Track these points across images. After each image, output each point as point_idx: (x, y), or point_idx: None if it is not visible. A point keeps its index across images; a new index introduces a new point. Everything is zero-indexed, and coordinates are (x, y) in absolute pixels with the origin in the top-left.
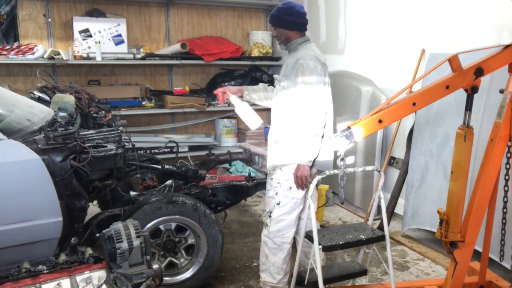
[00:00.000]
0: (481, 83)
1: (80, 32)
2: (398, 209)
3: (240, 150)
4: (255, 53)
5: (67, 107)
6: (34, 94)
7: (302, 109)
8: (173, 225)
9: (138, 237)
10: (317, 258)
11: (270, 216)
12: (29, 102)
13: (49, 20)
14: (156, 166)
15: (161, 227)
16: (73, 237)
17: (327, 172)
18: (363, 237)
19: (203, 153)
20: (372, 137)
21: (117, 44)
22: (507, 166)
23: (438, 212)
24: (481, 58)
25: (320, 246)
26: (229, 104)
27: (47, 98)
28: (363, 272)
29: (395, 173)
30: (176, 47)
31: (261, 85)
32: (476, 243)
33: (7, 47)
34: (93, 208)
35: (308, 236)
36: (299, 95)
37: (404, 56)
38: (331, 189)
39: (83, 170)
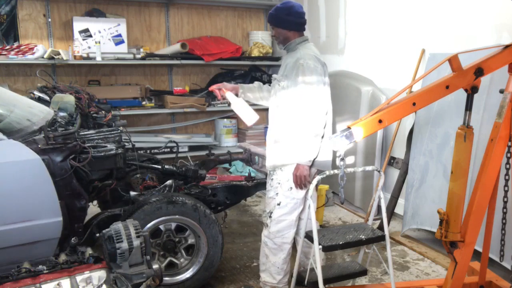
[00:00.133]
0: (481, 83)
1: (80, 32)
2: (398, 209)
3: (240, 150)
4: (255, 53)
5: (67, 107)
6: (34, 94)
7: (303, 109)
8: (173, 225)
9: (138, 237)
10: (317, 258)
11: (270, 217)
12: (29, 102)
13: (49, 20)
14: (156, 166)
15: (161, 227)
16: (73, 237)
17: (327, 172)
18: (363, 237)
19: (203, 153)
20: (372, 137)
21: (117, 44)
22: (507, 166)
23: (438, 212)
24: (481, 58)
25: (320, 246)
26: (228, 101)
27: (47, 98)
28: (363, 272)
29: (395, 173)
30: (176, 47)
31: (256, 83)
32: (476, 243)
33: (7, 47)
34: (93, 208)
35: (308, 236)
36: (299, 95)
37: (404, 56)
38: (331, 189)
39: (83, 170)
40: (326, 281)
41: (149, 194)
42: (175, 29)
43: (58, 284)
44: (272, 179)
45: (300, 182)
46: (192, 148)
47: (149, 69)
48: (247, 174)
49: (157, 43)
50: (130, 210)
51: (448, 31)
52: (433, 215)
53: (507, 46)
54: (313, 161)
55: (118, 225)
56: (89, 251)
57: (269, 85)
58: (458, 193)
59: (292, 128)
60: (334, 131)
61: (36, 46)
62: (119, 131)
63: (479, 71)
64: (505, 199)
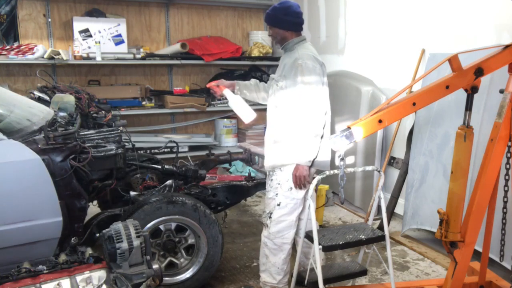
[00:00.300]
0: (481, 83)
1: (80, 32)
2: (398, 209)
3: (240, 150)
4: (255, 53)
5: (67, 107)
6: (34, 94)
7: (302, 109)
8: (173, 225)
9: (138, 237)
10: (317, 258)
11: (270, 217)
12: (29, 102)
13: (49, 20)
14: (156, 166)
15: (161, 227)
16: (73, 237)
17: (327, 172)
18: (363, 237)
19: (203, 153)
20: (372, 137)
21: (117, 44)
22: (507, 166)
23: (438, 212)
24: (481, 58)
25: (320, 246)
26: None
27: (47, 98)
28: (363, 272)
29: (395, 173)
30: (176, 47)
31: (253, 81)
32: (476, 243)
33: (7, 47)
34: (93, 208)
35: (308, 236)
36: (298, 95)
37: (404, 56)
38: (331, 189)
39: (83, 170)
40: (326, 281)
41: (149, 194)
42: (175, 29)
43: (58, 284)
44: (271, 180)
45: (300, 182)
46: (192, 148)
47: (149, 69)
48: (247, 174)
49: (157, 43)
50: (130, 210)
51: (448, 31)
52: (433, 215)
53: (507, 46)
54: (313, 161)
55: (118, 225)
56: (89, 251)
57: (266, 83)
58: (458, 193)
59: (291, 129)
60: (333, 131)
61: (36, 46)
62: (119, 131)
63: (479, 71)
64: (505, 199)
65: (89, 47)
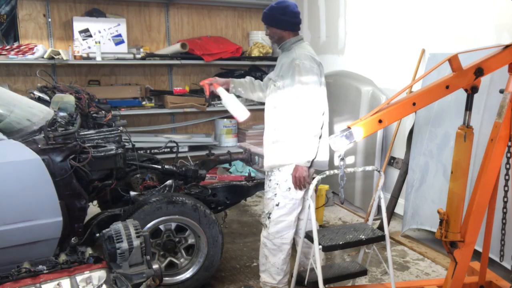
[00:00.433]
0: (481, 83)
1: (80, 32)
2: (398, 209)
3: (240, 150)
4: (255, 53)
5: (67, 107)
6: (34, 94)
7: (299, 110)
8: (173, 225)
9: (138, 237)
10: (317, 258)
11: (269, 218)
12: (29, 102)
13: (49, 20)
14: (156, 166)
15: (161, 227)
16: (73, 237)
17: (327, 172)
18: (363, 237)
19: (203, 153)
20: (372, 137)
21: (117, 44)
22: (507, 166)
23: (438, 212)
24: (481, 58)
25: (320, 246)
26: (216, 95)
27: (47, 98)
28: (363, 272)
29: (395, 173)
30: (176, 47)
31: (248, 78)
32: (476, 243)
33: (7, 47)
34: (93, 208)
35: (308, 236)
36: (296, 95)
37: (404, 56)
38: (331, 189)
39: (83, 170)
40: (326, 281)
41: (149, 194)
42: (175, 29)
43: (58, 284)
44: (270, 180)
45: (300, 183)
46: (192, 148)
47: (149, 69)
48: (247, 174)
49: (157, 43)
50: (130, 210)
51: (448, 31)
52: (433, 215)
53: (507, 46)
54: (312, 161)
55: (118, 225)
56: (89, 251)
57: (261, 81)
58: (458, 193)
59: (290, 129)
60: (332, 131)
61: (36, 46)
62: (119, 131)
63: (479, 71)
64: (505, 199)
65: (89, 47)
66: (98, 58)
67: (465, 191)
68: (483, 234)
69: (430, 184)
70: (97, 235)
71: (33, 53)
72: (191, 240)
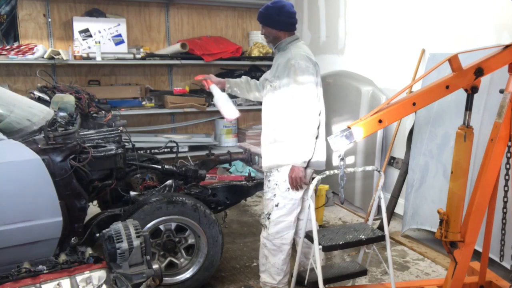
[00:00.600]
0: (481, 83)
1: (80, 32)
2: (398, 209)
3: (240, 150)
4: (255, 53)
5: (67, 107)
6: (34, 94)
7: (296, 110)
8: (173, 225)
9: (138, 237)
10: (317, 258)
11: (268, 218)
12: (29, 102)
13: (49, 20)
14: (156, 166)
15: (161, 227)
16: (73, 237)
17: (327, 172)
18: (363, 237)
19: (203, 153)
20: (372, 137)
21: (117, 44)
22: (507, 166)
23: (438, 212)
24: (481, 58)
25: (320, 246)
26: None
27: (47, 98)
28: (363, 272)
29: (395, 173)
30: (176, 47)
31: (244, 78)
32: (476, 243)
33: (7, 47)
34: (93, 208)
35: (308, 236)
36: (291, 95)
37: (404, 56)
38: (331, 189)
39: (83, 170)
40: (326, 281)
41: (149, 194)
42: (175, 29)
43: (58, 284)
44: (269, 181)
45: (296, 183)
46: (192, 148)
47: (149, 69)
48: (247, 174)
49: (157, 43)
50: (130, 210)
51: (448, 31)
52: (433, 215)
53: (507, 46)
54: (309, 162)
55: (118, 225)
56: (89, 251)
57: (257, 80)
58: (458, 193)
59: (286, 129)
60: (329, 131)
61: (36, 46)
62: (119, 131)
63: (479, 71)
64: (505, 199)
65: (89, 47)
66: (98, 58)
67: (465, 191)
68: (483, 234)
69: (430, 184)
70: (97, 235)
71: (33, 53)
72: (191, 240)
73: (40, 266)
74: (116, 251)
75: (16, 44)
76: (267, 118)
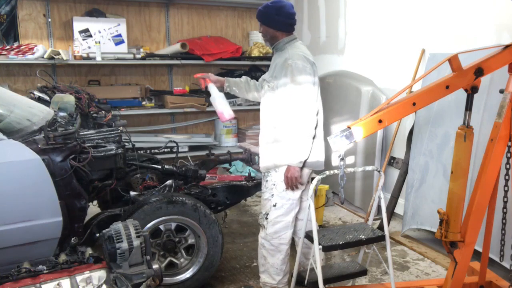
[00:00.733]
0: (481, 83)
1: (80, 32)
2: (398, 209)
3: (240, 150)
4: (255, 53)
5: (67, 107)
6: (34, 94)
7: (293, 110)
8: (173, 225)
9: (138, 237)
10: (317, 258)
11: (266, 218)
12: (29, 102)
13: (49, 20)
14: (156, 166)
15: (161, 227)
16: (73, 237)
17: (327, 172)
18: (363, 237)
19: (203, 153)
20: (372, 137)
21: (117, 44)
22: (507, 166)
23: (438, 212)
24: (481, 58)
25: (320, 246)
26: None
27: (47, 98)
28: (363, 272)
29: (395, 173)
30: (176, 47)
31: (243, 78)
32: (476, 243)
33: (7, 47)
34: (93, 208)
35: (308, 236)
36: (288, 95)
37: (404, 56)
38: (331, 189)
39: (83, 170)
40: (326, 281)
41: (149, 194)
42: (175, 29)
43: (58, 284)
44: (267, 181)
45: (292, 183)
46: (192, 148)
47: (149, 69)
48: (247, 174)
49: (157, 43)
50: (130, 210)
51: (448, 31)
52: (433, 215)
53: (507, 46)
54: (305, 162)
55: (118, 225)
56: (89, 251)
57: (257, 81)
58: (458, 193)
59: (284, 129)
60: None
61: (36, 46)
62: (119, 131)
63: (479, 71)
64: (505, 199)
65: (89, 47)
66: (98, 58)
67: (465, 191)
68: (483, 234)
69: (430, 184)
70: (97, 235)
71: (33, 53)
72: (191, 240)
73: (40, 266)
74: (116, 251)
75: (16, 44)
76: (265, 118)
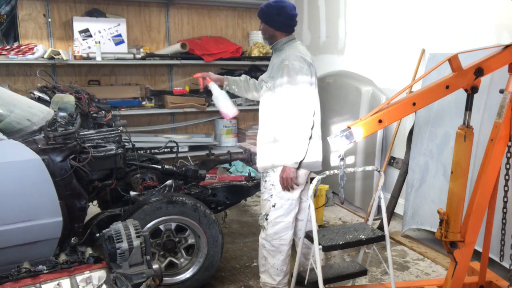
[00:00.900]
0: (481, 83)
1: (80, 32)
2: (398, 209)
3: (240, 150)
4: (255, 53)
5: (67, 107)
6: (34, 94)
7: (289, 111)
8: (173, 225)
9: (138, 237)
10: (317, 258)
11: (266, 219)
12: (29, 102)
13: (49, 20)
14: (156, 166)
15: (161, 227)
16: (73, 237)
17: (327, 172)
18: (363, 237)
19: (203, 153)
20: (372, 137)
21: (117, 44)
22: (507, 166)
23: (438, 212)
24: (481, 58)
25: (320, 246)
26: (210, 91)
27: (47, 98)
28: (363, 272)
29: (395, 173)
30: (176, 47)
31: (243, 77)
32: (476, 243)
33: (7, 47)
34: (93, 208)
35: (308, 236)
36: (285, 96)
37: (404, 56)
38: (331, 189)
39: (83, 170)
40: (326, 281)
41: (149, 194)
42: (175, 29)
43: (58, 284)
44: (265, 181)
45: (287, 184)
46: (192, 148)
47: (149, 69)
48: (247, 174)
49: (157, 43)
50: (130, 210)
51: (448, 31)
52: (433, 215)
53: (507, 46)
54: (302, 162)
55: (118, 225)
56: (89, 251)
57: (256, 80)
58: (458, 193)
59: (281, 130)
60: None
61: (36, 46)
62: (119, 131)
63: (479, 71)
64: (505, 199)
65: (89, 47)
66: (98, 58)
67: (465, 191)
68: (483, 234)
69: (430, 184)
70: (97, 235)
71: (33, 53)
72: (191, 240)
73: (40, 266)
74: (116, 251)
75: (16, 44)
76: (264, 118)
